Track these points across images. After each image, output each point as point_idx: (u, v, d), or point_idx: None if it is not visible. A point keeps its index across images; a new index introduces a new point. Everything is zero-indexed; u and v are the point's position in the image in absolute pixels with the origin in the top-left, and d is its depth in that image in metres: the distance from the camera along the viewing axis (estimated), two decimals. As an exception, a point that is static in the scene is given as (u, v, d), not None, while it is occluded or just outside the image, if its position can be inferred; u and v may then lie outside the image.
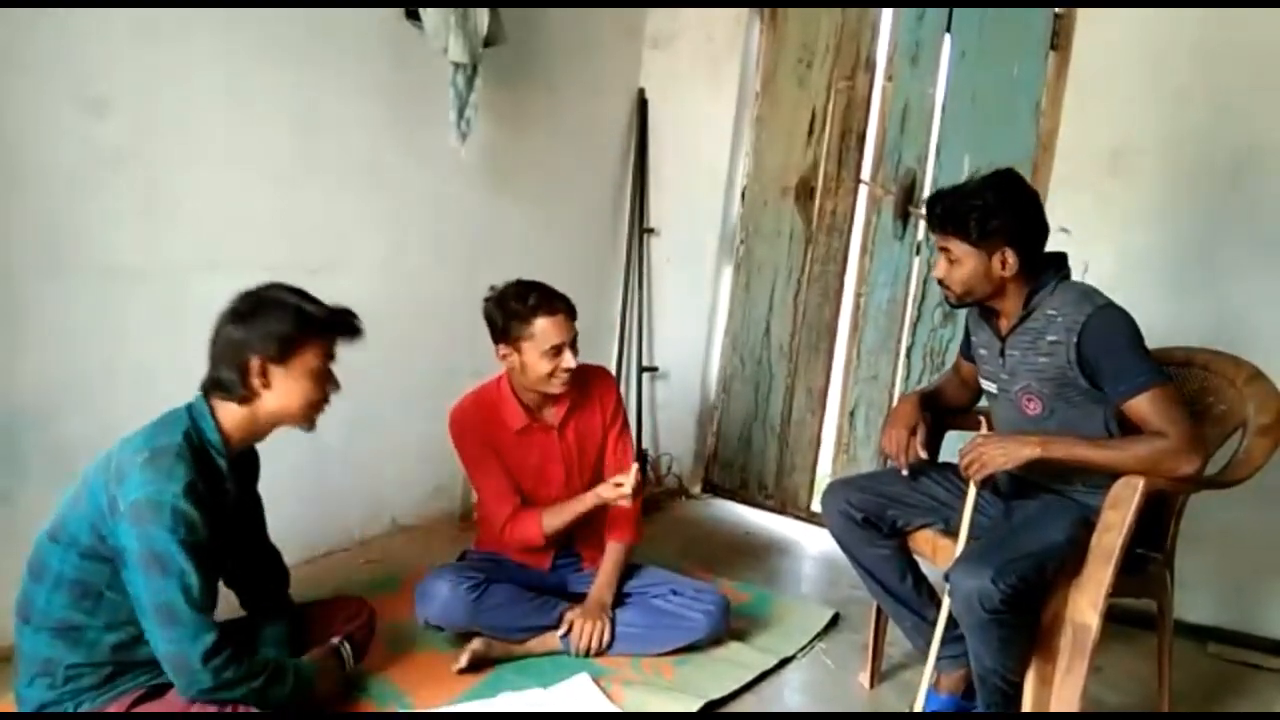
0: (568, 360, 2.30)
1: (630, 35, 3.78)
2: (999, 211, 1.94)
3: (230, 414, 1.75)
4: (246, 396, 1.74)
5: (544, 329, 2.27)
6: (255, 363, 1.71)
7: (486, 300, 2.35)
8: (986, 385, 2.15)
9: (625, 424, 2.56)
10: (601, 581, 2.42)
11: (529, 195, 3.40)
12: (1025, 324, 2.00)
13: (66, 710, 1.67)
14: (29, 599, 1.68)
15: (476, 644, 2.25)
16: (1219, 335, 2.32)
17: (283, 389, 1.75)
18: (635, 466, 2.33)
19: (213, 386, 1.75)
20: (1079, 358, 1.90)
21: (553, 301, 2.30)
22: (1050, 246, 2.04)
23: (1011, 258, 1.96)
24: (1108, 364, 1.89)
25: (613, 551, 2.46)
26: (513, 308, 2.28)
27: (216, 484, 1.73)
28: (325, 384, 1.80)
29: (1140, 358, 1.89)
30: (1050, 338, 1.95)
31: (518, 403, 2.40)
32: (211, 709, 1.68)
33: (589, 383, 2.49)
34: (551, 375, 2.30)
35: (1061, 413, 1.98)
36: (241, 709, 1.70)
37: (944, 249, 2.01)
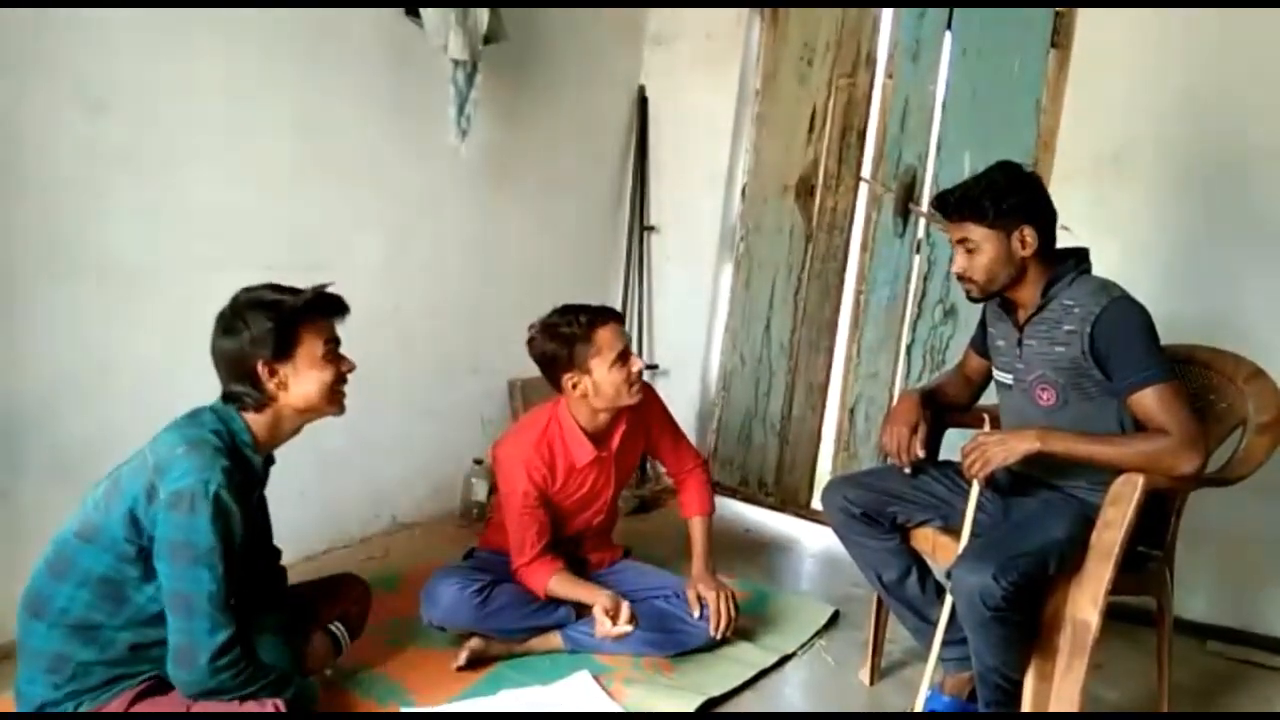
0: (636, 364, 2.29)
1: (631, 33, 3.78)
2: (1012, 189, 1.98)
3: (256, 421, 1.77)
4: (265, 401, 1.75)
5: (607, 339, 2.25)
6: (261, 368, 1.72)
7: (532, 340, 2.29)
8: (1001, 377, 2.15)
9: (676, 428, 2.57)
10: (699, 553, 2.46)
11: (529, 193, 3.40)
12: (1043, 313, 2.00)
13: (66, 710, 1.67)
14: (46, 596, 1.67)
15: (475, 642, 2.26)
16: (1220, 333, 2.32)
17: (297, 383, 1.76)
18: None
19: (231, 400, 1.76)
20: (1092, 347, 1.91)
21: (604, 312, 2.29)
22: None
23: (1030, 236, 1.97)
24: (1117, 355, 1.89)
25: (698, 526, 2.51)
26: (568, 332, 2.24)
27: (249, 482, 1.74)
28: (335, 364, 1.81)
29: (1151, 352, 1.89)
30: (1066, 327, 1.95)
31: (584, 435, 2.34)
32: (212, 708, 1.67)
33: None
34: (628, 384, 2.28)
35: (1075, 404, 1.98)
36: (246, 708, 1.69)
37: (961, 240, 2.01)
